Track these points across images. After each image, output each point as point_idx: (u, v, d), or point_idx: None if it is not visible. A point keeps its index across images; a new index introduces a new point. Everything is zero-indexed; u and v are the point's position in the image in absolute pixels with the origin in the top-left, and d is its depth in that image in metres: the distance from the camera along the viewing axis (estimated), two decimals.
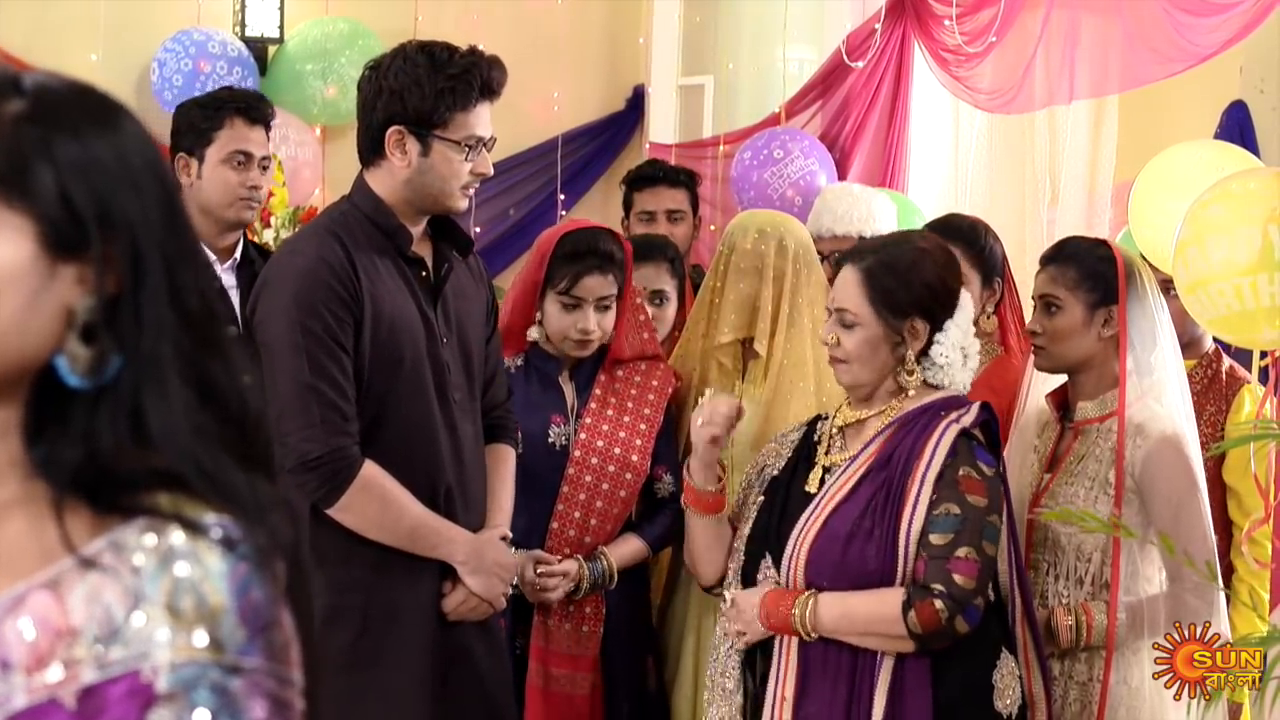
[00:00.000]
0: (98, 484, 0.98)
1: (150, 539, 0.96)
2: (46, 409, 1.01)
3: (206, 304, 1.04)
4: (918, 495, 2.40)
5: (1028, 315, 3.53)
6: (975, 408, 2.48)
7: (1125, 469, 2.69)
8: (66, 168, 0.99)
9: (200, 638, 0.93)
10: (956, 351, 2.52)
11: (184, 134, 3.38)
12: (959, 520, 2.38)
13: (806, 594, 2.45)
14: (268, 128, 3.46)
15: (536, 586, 3.05)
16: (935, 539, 2.38)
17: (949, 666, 2.42)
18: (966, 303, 2.56)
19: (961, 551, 2.37)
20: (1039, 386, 2.93)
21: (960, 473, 2.41)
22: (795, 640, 2.51)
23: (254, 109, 3.41)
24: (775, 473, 2.65)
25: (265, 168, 3.42)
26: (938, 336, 2.51)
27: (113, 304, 1.00)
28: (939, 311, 2.51)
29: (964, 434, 2.44)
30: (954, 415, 2.46)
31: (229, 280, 3.31)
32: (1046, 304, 2.83)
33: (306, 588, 1.03)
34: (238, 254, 3.37)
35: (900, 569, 2.40)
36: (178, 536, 0.96)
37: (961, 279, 2.57)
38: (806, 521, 2.51)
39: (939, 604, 2.35)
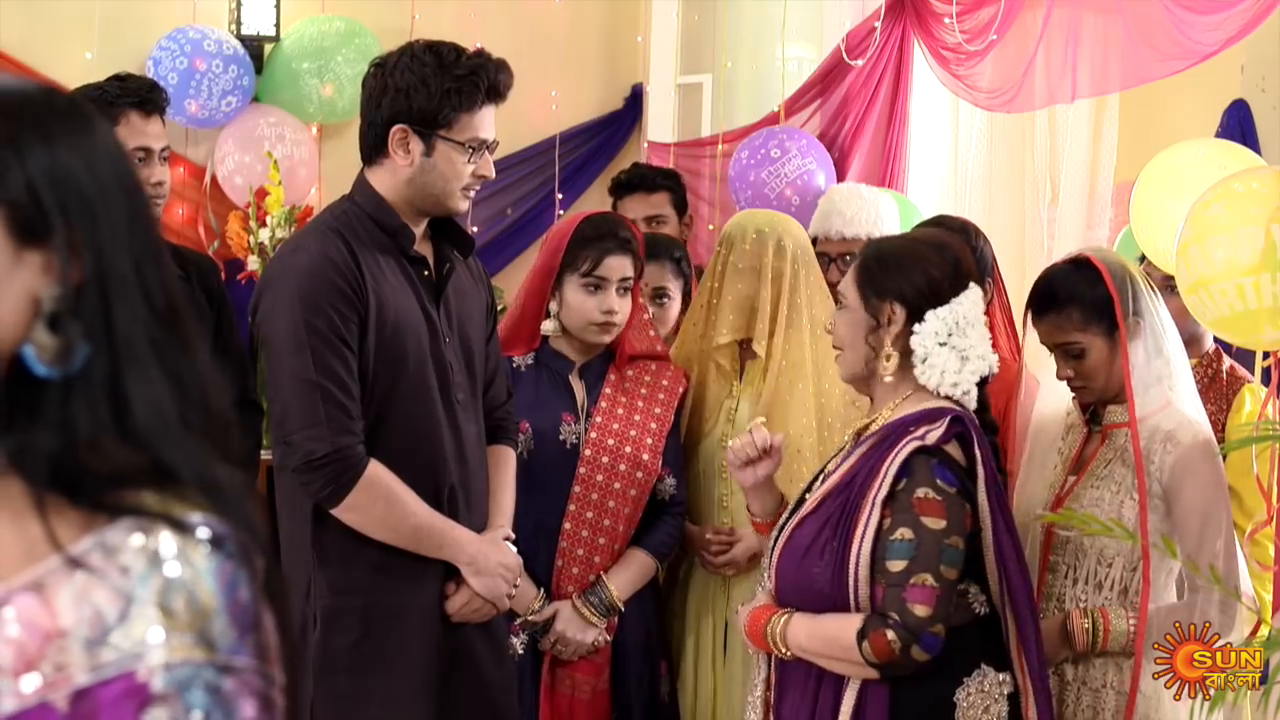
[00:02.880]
0: (78, 480, 0.98)
1: (138, 539, 0.96)
2: (14, 402, 1.00)
3: (173, 301, 1.04)
4: (867, 520, 2.33)
5: (1018, 317, 3.52)
6: (945, 423, 2.36)
7: (1153, 475, 2.66)
8: (37, 170, 1.00)
9: (194, 638, 0.94)
10: (940, 347, 2.41)
11: None
12: (913, 546, 2.30)
13: (781, 613, 2.42)
14: (163, 114, 3.30)
15: (562, 646, 3.08)
16: (891, 565, 2.31)
17: (908, 685, 2.36)
18: (964, 304, 2.44)
19: (916, 579, 2.29)
20: (1052, 393, 2.90)
21: (916, 494, 2.32)
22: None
23: (148, 100, 3.24)
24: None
25: (165, 159, 3.28)
26: (916, 328, 2.43)
27: (78, 293, 1.00)
28: (919, 301, 2.43)
29: (923, 451, 2.34)
30: (920, 431, 2.37)
31: None
32: (1068, 351, 2.76)
33: (282, 582, 1.04)
34: None
35: (850, 593, 2.34)
36: (166, 536, 0.96)
37: (964, 279, 2.47)
38: (781, 531, 2.49)
39: (890, 634, 2.28)
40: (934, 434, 2.35)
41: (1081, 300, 2.74)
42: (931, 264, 2.45)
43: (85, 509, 0.97)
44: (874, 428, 2.48)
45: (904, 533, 2.31)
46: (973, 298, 2.46)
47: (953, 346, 2.42)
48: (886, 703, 2.35)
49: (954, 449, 2.38)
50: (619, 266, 3.11)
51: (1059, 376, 2.80)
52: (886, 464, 2.35)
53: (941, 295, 2.43)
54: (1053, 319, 2.77)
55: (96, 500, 0.97)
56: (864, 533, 2.33)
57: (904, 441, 2.36)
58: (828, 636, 2.36)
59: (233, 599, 0.96)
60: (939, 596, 2.30)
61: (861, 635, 2.30)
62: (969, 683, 2.37)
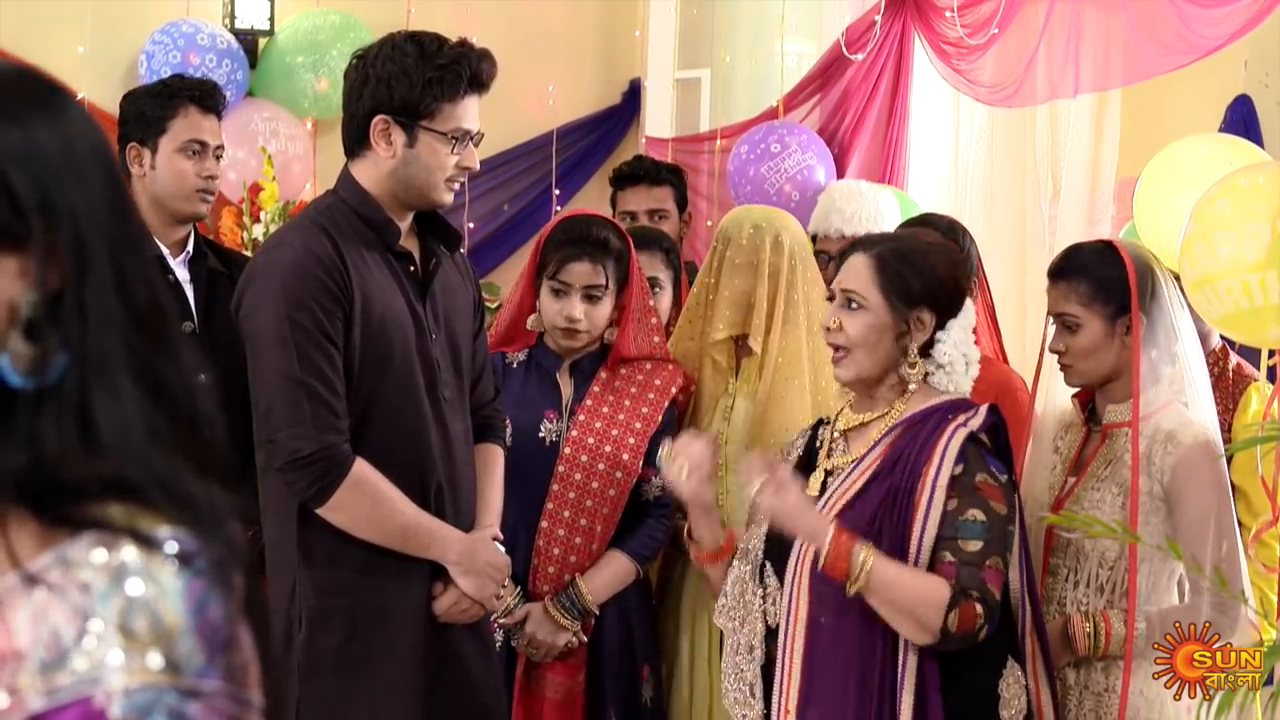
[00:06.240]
0: (44, 493, 0.92)
1: (100, 555, 0.90)
2: None
3: (154, 298, 0.99)
4: (930, 501, 2.34)
5: (1015, 315, 3.49)
6: (983, 411, 2.42)
7: (1154, 476, 2.64)
8: (7, 153, 0.95)
9: (155, 660, 0.88)
10: (959, 354, 2.47)
11: (134, 123, 3.27)
12: (986, 528, 2.33)
13: (865, 546, 2.32)
14: (219, 116, 3.36)
15: (533, 649, 3.06)
16: (965, 544, 2.32)
17: (959, 675, 2.37)
18: (970, 309, 2.51)
19: (991, 561, 2.33)
20: (1052, 392, 2.87)
21: (978, 479, 2.36)
22: (800, 652, 2.44)
23: (208, 97, 3.32)
24: None
25: (219, 157, 3.33)
26: (940, 335, 2.46)
27: (56, 299, 0.95)
28: (946, 308, 2.47)
29: (972, 439, 2.38)
30: (961, 419, 2.40)
31: (183, 274, 3.21)
32: (1064, 322, 2.76)
33: (264, 600, 0.99)
34: (190, 247, 3.27)
35: None
36: (130, 552, 0.91)
37: (970, 280, 2.52)
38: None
39: (979, 609, 2.30)
40: (976, 422, 2.40)
41: (1092, 276, 2.73)
42: (953, 270, 2.50)
43: (48, 523, 0.92)
44: (885, 422, 2.48)
45: (975, 514, 2.34)
46: (971, 305, 2.53)
47: (964, 354, 2.48)
48: (939, 688, 2.36)
49: (986, 439, 2.43)
50: (582, 273, 3.08)
51: (1051, 349, 2.80)
52: (940, 447, 2.37)
53: (960, 303, 2.49)
54: (1061, 287, 2.76)
55: (60, 514, 0.92)
56: (928, 513, 2.34)
57: (949, 428, 2.39)
58: (914, 592, 2.30)
59: (202, 619, 0.90)
60: (1004, 581, 2.35)
61: (953, 603, 2.29)
62: (1006, 674, 2.41)
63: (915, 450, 2.39)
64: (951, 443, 2.36)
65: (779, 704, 2.47)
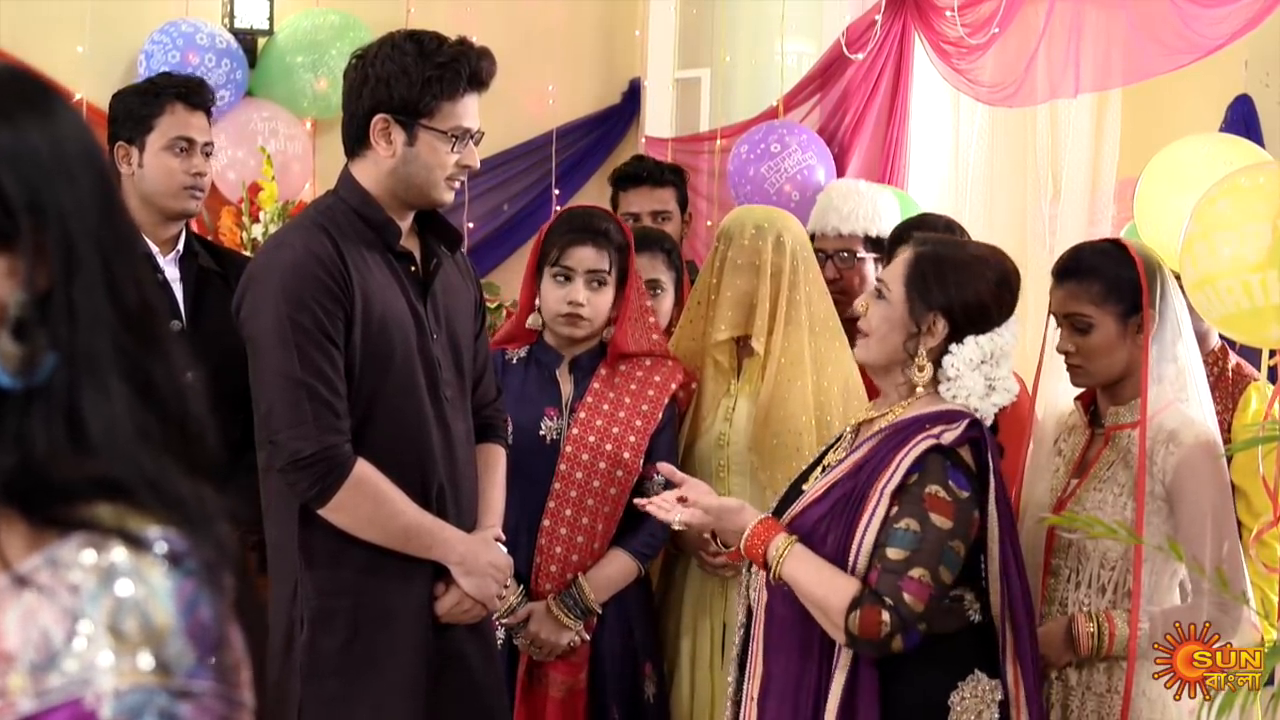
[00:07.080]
0: (33, 493, 0.92)
1: (89, 555, 0.90)
2: None
3: (144, 299, 0.99)
4: (874, 508, 2.33)
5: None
6: (963, 425, 2.37)
7: (1156, 476, 2.63)
8: None
9: (146, 660, 0.88)
10: (972, 372, 2.42)
11: (122, 122, 3.26)
12: (917, 539, 2.31)
13: (789, 538, 2.39)
14: (209, 114, 3.36)
15: (536, 648, 3.06)
16: (891, 552, 2.31)
17: (901, 682, 2.36)
18: (1005, 333, 2.45)
19: (915, 572, 2.30)
20: (1052, 393, 2.86)
21: (928, 490, 2.33)
22: (762, 640, 2.48)
23: (194, 94, 3.31)
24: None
25: (209, 154, 3.32)
26: (953, 347, 2.43)
27: (45, 299, 0.95)
28: (964, 323, 2.43)
29: (939, 450, 2.35)
30: (937, 430, 2.36)
31: (172, 273, 3.20)
32: (1074, 323, 2.73)
33: (256, 600, 0.98)
34: (180, 246, 3.25)
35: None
36: (119, 553, 0.90)
37: (1010, 309, 2.47)
38: (781, 519, 2.48)
39: (885, 616, 2.28)
40: (950, 435, 2.36)
41: (1104, 276, 2.71)
42: (987, 287, 2.45)
43: (38, 524, 0.92)
44: (882, 422, 2.48)
45: (909, 523, 2.31)
46: (1012, 330, 2.47)
47: (984, 374, 2.43)
48: (877, 696, 2.34)
49: (966, 453, 2.38)
50: (585, 257, 3.10)
51: (1059, 349, 2.77)
52: (900, 457, 2.35)
53: (987, 322, 2.44)
54: (1071, 286, 2.74)
55: (49, 515, 0.92)
56: (870, 520, 2.33)
57: (919, 438, 2.36)
58: (820, 589, 2.34)
59: (192, 619, 0.90)
60: (932, 595, 2.31)
61: (856, 604, 2.29)
62: (963, 686, 2.38)
63: (881, 456, 2.38)
64: (912, 452, 2.34)
65: (747, 689, 2.50)
